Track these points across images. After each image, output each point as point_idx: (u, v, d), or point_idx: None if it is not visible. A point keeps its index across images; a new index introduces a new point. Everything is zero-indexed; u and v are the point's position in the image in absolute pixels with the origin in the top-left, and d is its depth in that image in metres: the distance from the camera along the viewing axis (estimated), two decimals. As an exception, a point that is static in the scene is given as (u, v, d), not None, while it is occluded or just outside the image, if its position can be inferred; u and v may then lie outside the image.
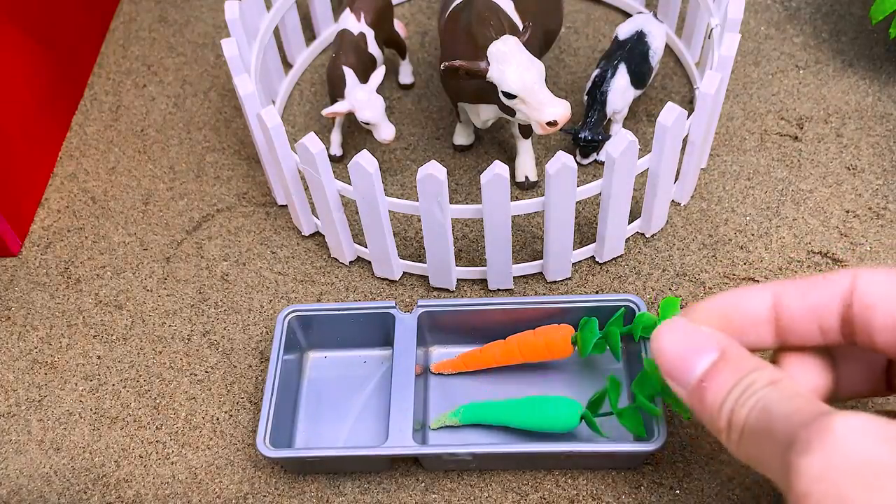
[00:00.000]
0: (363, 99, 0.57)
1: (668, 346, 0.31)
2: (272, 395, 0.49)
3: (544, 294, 0.56)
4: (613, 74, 0.60)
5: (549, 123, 0.50)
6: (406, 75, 0.70)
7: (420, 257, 0.59)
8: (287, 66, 0.72)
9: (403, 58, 0.70)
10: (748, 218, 0.59)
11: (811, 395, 0.29)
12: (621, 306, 0.50)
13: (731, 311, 0.32)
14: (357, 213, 0.54)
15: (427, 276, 0.57)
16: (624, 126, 0.64)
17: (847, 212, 0.59)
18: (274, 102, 0.68)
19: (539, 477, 0.49)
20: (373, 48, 0.62)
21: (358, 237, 0.59)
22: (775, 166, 0.62)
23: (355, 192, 0.51)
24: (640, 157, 0.51)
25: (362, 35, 0.62)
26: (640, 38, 0.61)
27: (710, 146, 0.62)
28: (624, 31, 0.63)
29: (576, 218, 0.58)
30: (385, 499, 0.49)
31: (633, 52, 0.61)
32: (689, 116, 0.52)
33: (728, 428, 0.28)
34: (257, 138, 0.57)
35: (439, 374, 0.53)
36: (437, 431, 0.50)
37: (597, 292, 0.56)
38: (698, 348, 0.30)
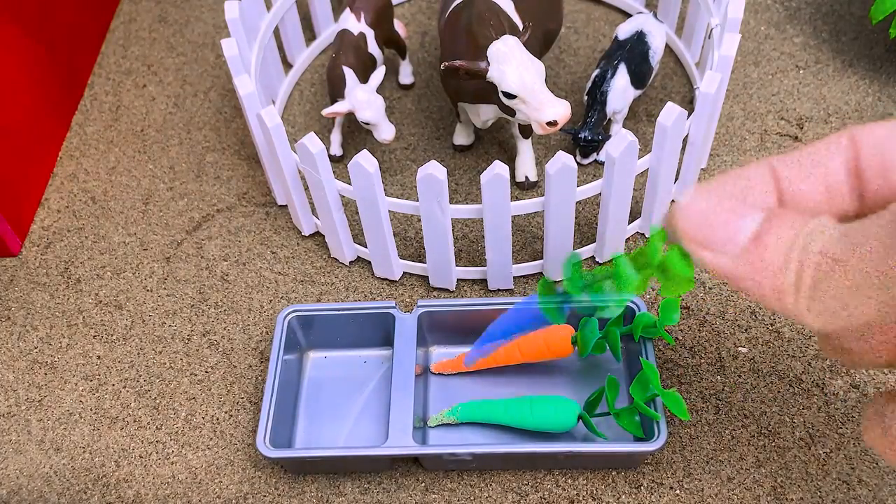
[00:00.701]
0: (363, 99, 0.57)
1: (699, 207, 0.26)
2: (272, 395, 0.49)
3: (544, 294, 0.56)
4: (613, 74, 0.60)
5: (549, 123, 0.50)
6: (406, 75, 0.70)
7: (420, 257, 0.59)
8: (287, 66, 0.72)
9: (403, 58, 0.70)
10: (748, 218, 0.59)
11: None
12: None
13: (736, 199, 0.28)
14: (357, 213, 0.54)
15: (427, 276, 0.57)
16: (624, 126, 0.64)
17: (847, 212, 0.59)
18: (274, 102, 0.68)
19: (539, 477, 0.49)
20: (373, 48, 0.62)
21: (358, 237, 0.59)
22: (775, 166, 0.62)
23: (355, 192, 0.51)
24: (640, 157, 0.51)
25: (362, 35, 0.62)
26: (640, 38, 0.61)
27: (710, 146, 0.62)
28: (624, 31, 0.63)
29: (576, 218, 0.58)
30: (385, 499, 0.49)
31: (633, 52, 0.61)
32: (689, 116, 0.52)
33: (798, 282, 0.24)
34: (257, 138, 0.57)
35: (439, 373, 0.53)
36: (437, 431, 0.50)
37: None
38: (737, 209, 0.26)
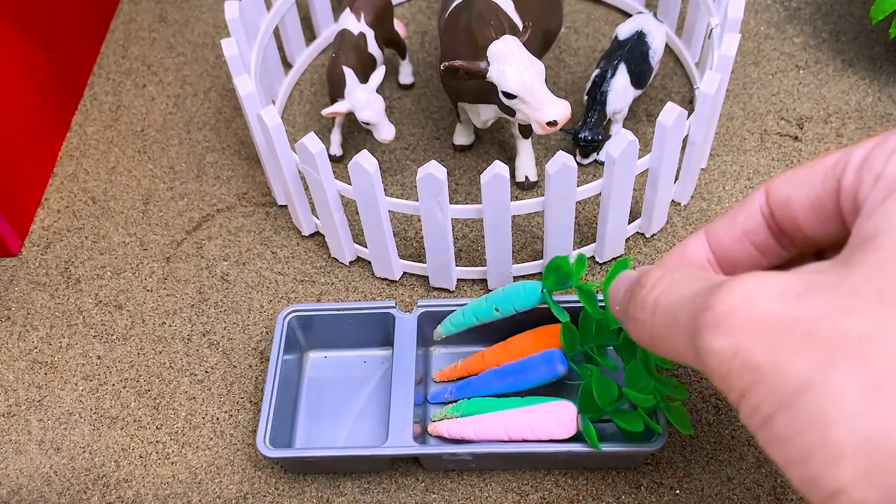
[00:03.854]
0: (363, 99, 0.57)
1: (609, 294, 0.34)
2: (272, 395, 0.49)
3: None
4: (613, 74, 0.60)
5: (549, 123, 0.50)
6: (406, 75, 0.70)
7: (420, 257, 0.59)
8: (287, 66, 0.72)
9: (403, 58, 0.70)
10: (748, 218, 0.59)
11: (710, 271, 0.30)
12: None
13: (678, 264, 0.33)
14: (357, 213, 0.54)
15: (427, 276, 0.57)
16: (624, 126, 0.64)
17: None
18: (274, 102, 0.68)
19: (539, 477, 0.49)
20: (373, 48, 0.62)
21: (358, 237, 0.59)
22: (775, 166, 0.62)
23: (355, 192, 0.51)
24: (640, 157, 0.51)
25: (362, 35, 0.62)
26: (640, 38, 0.61)
27: (710, 146, 0.62)
28: (624, 31, 0.63)
29: (576, 218, 0.58)
30: (385, 499, 0.49)
31: (633, 52, 0.61)
32: (689, 116, 0.52)
33: (650, 314, 0.29)
34: (257, 138, 0.57)
35: (440, 368, 0.53)
36: (437, 431, 0.50)
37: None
38: (624, 281, 0.32)
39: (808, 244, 0.30)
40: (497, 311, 0.49)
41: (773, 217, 0.30)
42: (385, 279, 0.58)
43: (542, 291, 0.47)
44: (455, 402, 0.50)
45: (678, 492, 0.47)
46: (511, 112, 0.52)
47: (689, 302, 0.26)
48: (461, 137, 0.65)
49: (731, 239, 0.31)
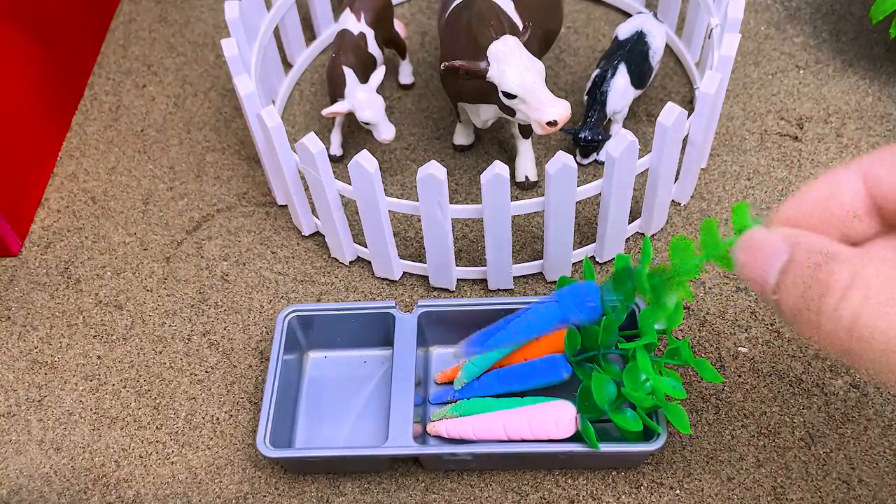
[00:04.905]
0: (363, 99, 0.57)
1: (743, 262, 0.28)
2: (272, 395, 0.49)
3: (544, 294, 0.56)
4: (613, 74, 0.60)
5: (549, 123, 0.50)
6: (406, 75, 0.70)
7: (420, 257, 0.59)
8: (287, 66, 0.72)
9: (403, 58, 0.70)
10: (748, 218, 0.59)
11: None
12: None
13: (823, 205, 0.29)
14: (357, 213, 0.54)
15: (427, 276, 0.57)
16: (624, 126, 0.64)
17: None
18: (274, 102, 0.68)
19: (539, 477, 0.49)
20: (373, 48, 0.62)
21: (358, 237, 0.59)
22: (775, 166, 0.62)
23: (355, 192, 0.51)
24: (640, 157, 0.51)
25: (362, 35, 0.62)
26: (640, 38, 0.61)
27: (710, 146, 0.62)
28: (624, 31, 0.63)
29: (576, 218, 0.58)
30: (385, 499, 0.49)
31: (633, 52, 0.61)
32: (689, 116, 0.52)
33: (846, 332, 0.25)
34: (257, 138, 0.57)
35: (441, 368, 0.53)
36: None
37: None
38: (769, 256, 0.28)
39: None
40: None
41: None
42: (385, 279, 0.58)
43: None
44: (455, 402, 0.50)
45: (678, 492, 0.47)
46: (511, 112, 0.52)
47: None
48: (461, 137, 0.65)
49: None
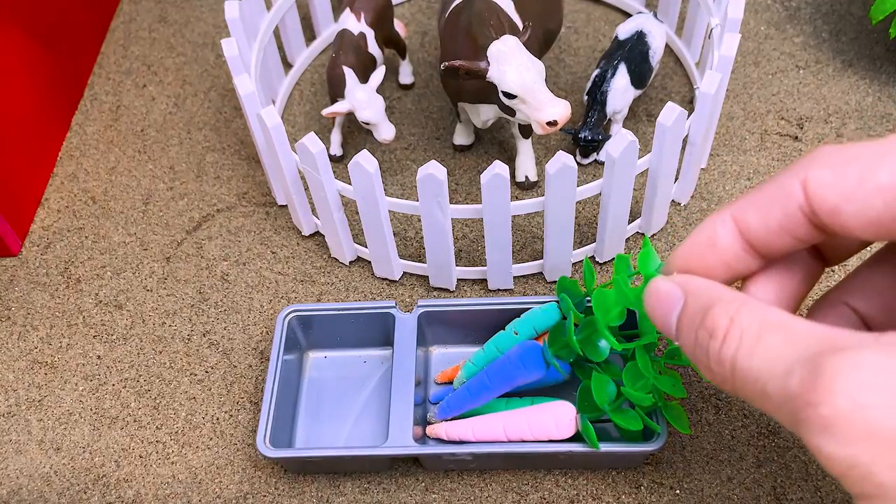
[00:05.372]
0: (363, 99, 0.57)
1: (650, 310, 0.31)
2: (272, 395, 0.49)
3: (544, 294, 0.56)
4: (613, 74, 0.60)
5: (549, 123, 0.50)
6: (406, 75, 0.70)
7: (420, 257, 0.59)
8: (287, 66, 0.72)
9: (403, 58, 0.70)
10: (748, 218, 0.59)
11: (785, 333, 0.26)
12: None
13: (706, 251, 0.31)
14: (357, 213, 0.54)
15: (427, 276, 0.57)
16: (624, 126, 0.64)
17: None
18: (274, 102, 0.68)
19: (539, 477, 0.49)
20: (373, 48, 0.62)
21: (358, 237, 0.59)
22: (775, 166, 0.62)
23: (355, 192, 0.51)
24: (640, 157, 0.51)
25: (362, 35, 0.62)
26: (640, 38, 0.61)
27: (710, 146, 0.62)
28: (624, 31, 0.63)
29: (576, 218, 0.58)
30: (385, 499, 0.49)
31: (633, 52, 0.61)
32: (689, 116, 0.52)
33: (729, 373, 0.27)
34: (257, 138, 0.57)
35: (441, 368, 0.53)
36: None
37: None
38: (668, 303, 0.30)
39: (855, 237, 0.28)
40: (517, 334, 0.49)
41: (817, 217, 0.28)
42: (385, 279, 0.58)
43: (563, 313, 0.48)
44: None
45: (678, 492, 0.47)
46: (511, 112, 0.52)
47: (779, 379, 0.24)
48: (461, 137, 0.65)
49: (767, 233, 0.29)
